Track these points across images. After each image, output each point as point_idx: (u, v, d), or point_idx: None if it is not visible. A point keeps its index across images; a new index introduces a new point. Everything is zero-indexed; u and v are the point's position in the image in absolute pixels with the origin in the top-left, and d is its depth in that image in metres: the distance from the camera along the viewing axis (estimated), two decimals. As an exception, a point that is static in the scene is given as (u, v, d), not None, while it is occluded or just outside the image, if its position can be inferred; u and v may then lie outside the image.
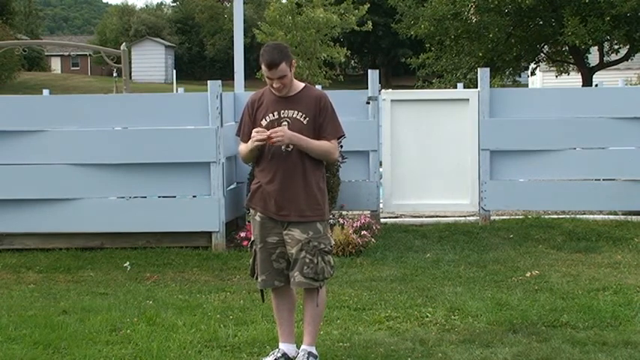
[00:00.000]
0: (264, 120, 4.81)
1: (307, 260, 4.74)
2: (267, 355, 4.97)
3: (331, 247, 4.90)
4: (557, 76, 27.44)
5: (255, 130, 4.75)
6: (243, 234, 8.49)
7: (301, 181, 4.77)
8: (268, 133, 4.67)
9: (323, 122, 4.80)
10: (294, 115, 4.77)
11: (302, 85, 4.88)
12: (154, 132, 8.77)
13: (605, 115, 9.53)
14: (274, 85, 4.75)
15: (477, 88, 9.84)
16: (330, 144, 4.83)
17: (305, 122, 4.77)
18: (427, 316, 5.89)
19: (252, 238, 4.98)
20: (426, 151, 9.90)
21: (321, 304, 4.89)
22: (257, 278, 4.93)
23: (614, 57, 25.17)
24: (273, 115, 4.80)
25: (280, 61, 4.66)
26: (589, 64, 25.21)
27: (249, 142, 4.77)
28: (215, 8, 67.42)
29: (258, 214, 4.88)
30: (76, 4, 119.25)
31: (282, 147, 4.73)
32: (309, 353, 4.85)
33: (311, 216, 4.79)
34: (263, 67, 4.70)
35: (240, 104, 9.44)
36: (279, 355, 4.91)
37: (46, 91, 19.27)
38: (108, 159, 8.68)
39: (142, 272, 7.61)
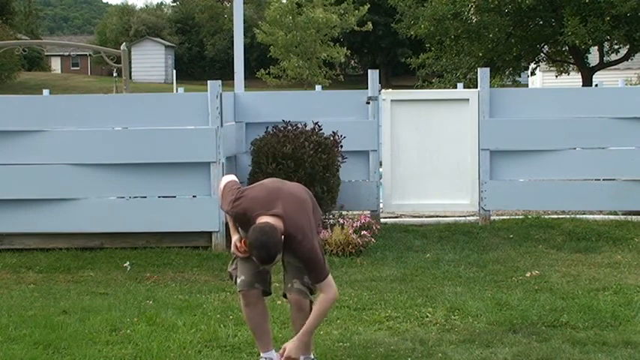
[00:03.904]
0: None
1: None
2: None
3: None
4: (557, 76, 27.41)
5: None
6: (243, 234, 8.48)
7: None
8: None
9: (308, 271, 4.58)
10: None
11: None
12: (154, 132, 8.77)
13: (605, 115, 9.54)
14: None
15: (477, 88, 9.84)
16: (325, 296, 4.58)
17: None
18: (427, 316, 5.89)
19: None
20: (426, 151, 9.91)
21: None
22: (236, 281, 4.74)
23: (614, 57, 25.14)
24: None
25: (276, 256, 4.36)
26: (589, 64, 25.18)
27: None
28: (215, 8, 67.41)
29: None
30: (76, 4, 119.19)
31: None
32: None
33: None
34: (255, 259, 4.38)
35: (241, 104, 9.46)
36: None
37: (46, 91, 19.27)
38: (108, 159, 8.67)
39: (142, 272, 7.61)
